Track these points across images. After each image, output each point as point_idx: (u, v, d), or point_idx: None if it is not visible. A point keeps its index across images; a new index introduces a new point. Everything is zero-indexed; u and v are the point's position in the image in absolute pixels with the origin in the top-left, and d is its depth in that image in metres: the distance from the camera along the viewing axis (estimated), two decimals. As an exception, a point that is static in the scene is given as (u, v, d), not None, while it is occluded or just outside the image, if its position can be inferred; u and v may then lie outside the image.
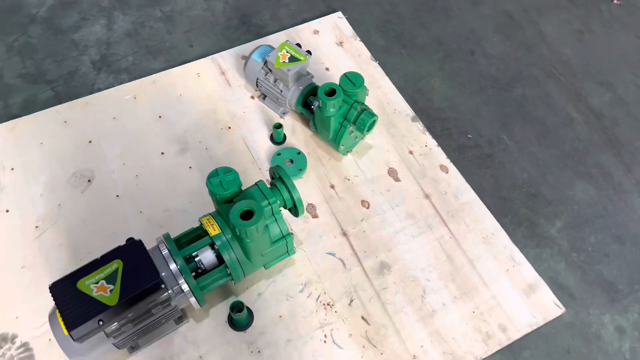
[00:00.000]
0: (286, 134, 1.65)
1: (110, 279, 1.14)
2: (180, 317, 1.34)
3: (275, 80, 1.60)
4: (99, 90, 1.74)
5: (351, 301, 1.39)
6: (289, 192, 1.29)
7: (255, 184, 1.28)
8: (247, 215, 1.19)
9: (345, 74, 1.49)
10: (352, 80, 1.49)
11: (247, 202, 1.20)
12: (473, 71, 1.87)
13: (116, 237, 1.43)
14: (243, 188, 1.28)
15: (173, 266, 1.21)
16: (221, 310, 1.37)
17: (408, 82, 1.82)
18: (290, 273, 1.43)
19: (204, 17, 1.94)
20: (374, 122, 1.53)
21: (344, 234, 1.49)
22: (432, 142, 1.67)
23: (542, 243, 1.53)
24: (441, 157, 1.64)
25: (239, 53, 1.82)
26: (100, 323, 1.11)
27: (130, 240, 1.21)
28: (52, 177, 1.55)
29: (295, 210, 1.33)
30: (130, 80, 1.76)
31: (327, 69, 1.80)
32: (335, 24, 1.92)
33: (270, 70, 1.60)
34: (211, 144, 1.62)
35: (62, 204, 1.50)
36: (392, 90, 1.77)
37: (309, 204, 1.53)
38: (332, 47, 1.86)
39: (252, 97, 1.72)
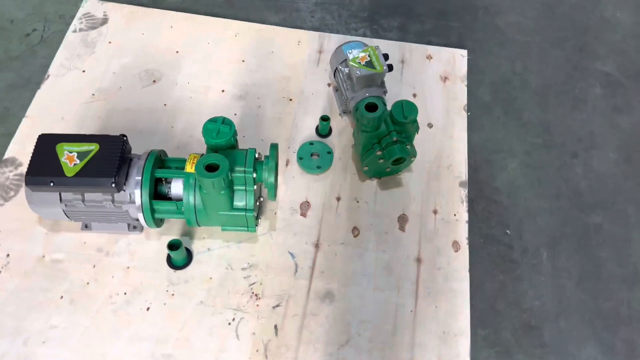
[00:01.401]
0: (332, 132, 1.62)
1: (81, 155, 1.25)
2: (135, 227, 1.42)
3: (347, 77, 1.58)
4: (216, 16, 1.86)
5: (277, 305, 1.36)
6: (267, 173, 1.28)
7: (246, 150, 1.29)
8: (212, 168, 1.21)
9: (401, 101, 1.41)
10: (405, 110, 1.40)
11: (218, 157, 1.21)
12: (561, 175, 1.64)
13: (141, 135, 1.55)
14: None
15: (138, 177, 1.29)
16: (170, 242, 1.43)
17: (484, 148, 1.66)
18: (246, 249, 1.43)
19: (342, -2, 1.96)
20: (404, 160, 1.44)
21: (317, 245, 1.44)
22: (463, 215, 1.52)
23: (503, 378, 1.33)
24: (462, 233, 1.49)
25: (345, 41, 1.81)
26: (51, 184, 1.23)
27: (123, 136, 1.30)
28: (132, 63, 1.71)
29: (269, 193, 1.31)
30: (243, 20, 1.85)
31: (414, 95, 1.72)
32: (453, 59, 1.81)
33: (347, 66, 1.57)
34: (265, 104, 1.66)
35: (123, 88, 1.66)
36: (461, 147, 1.63)
37: (305, 202, 1.50)
38: (434, 77, 1.76)
39: (329, 85, 1.71)
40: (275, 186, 1.34)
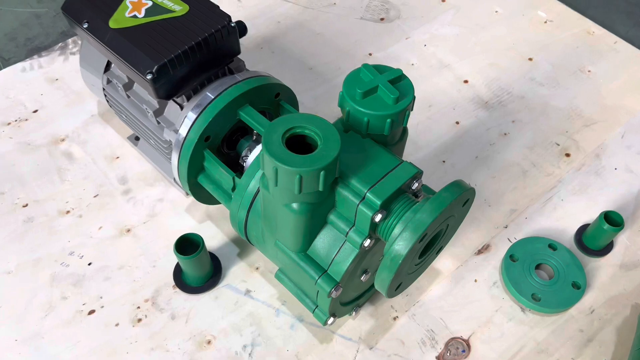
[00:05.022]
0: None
1: (153, 10, 0.70)
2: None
3: None
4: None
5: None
6: (405, 240, 0.54)
7: (400, 162, 0.58)
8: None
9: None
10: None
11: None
12: None
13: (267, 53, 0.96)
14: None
15: (207, 99, 0.68)
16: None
17: None
18: (301, 332, 0.73)
19: None
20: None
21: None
22: None
23: None
24: None
25: None
26: (85, 25, 0.70)
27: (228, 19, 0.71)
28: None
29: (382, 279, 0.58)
30: None
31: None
32: None
33: None
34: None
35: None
36: None
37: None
38: None
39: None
40: (409, 274, 0.61)
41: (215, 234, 0.82)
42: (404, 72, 0.61)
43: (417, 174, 0.58)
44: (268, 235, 0.64)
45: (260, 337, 0.72)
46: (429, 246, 0.61)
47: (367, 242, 0.57)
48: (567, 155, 0.91)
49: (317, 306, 0.66)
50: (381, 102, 0.58)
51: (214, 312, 0.74)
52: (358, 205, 0.56)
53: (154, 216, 0.83)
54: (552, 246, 0.78)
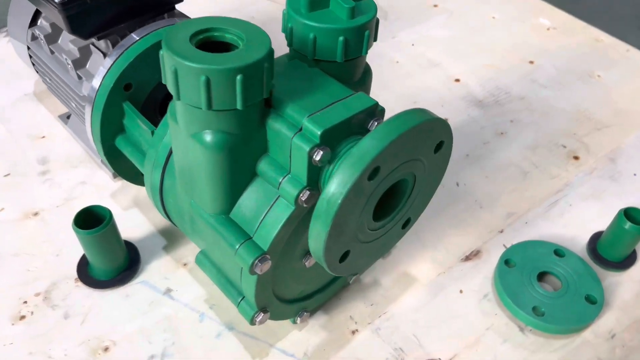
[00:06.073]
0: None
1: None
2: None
3: None
4: None
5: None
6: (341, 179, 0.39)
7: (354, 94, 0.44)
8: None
9: None
10: None
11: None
12: None
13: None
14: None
15: (133, 39, 0.56)
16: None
17: None
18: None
19: None
20: None
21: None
22: None
23: None
24: None
25: None
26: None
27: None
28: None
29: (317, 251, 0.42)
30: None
31: None
32: None
33: None
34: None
35: None
36: None
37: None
38: None
39: None
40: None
41: (140, 223, 0.66)
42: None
43: (375, 107, 0.43)
44: (184, 198, 0.49)
45: (175, 346, 0.55)
46: (390, 207, 0.45)
47: (305, 195, 0.42)
48: (576, 158, 0.76)
49: (244, 297, 0.50)
50: (332, 16, 0.45)
51: (121, 312, 0.58)
52: (292, 138, 0.41)
53: (71, 200, 0.68)
54: (559, 252, 0.62)
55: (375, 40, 0.48)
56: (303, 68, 0.46)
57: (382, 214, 0.44)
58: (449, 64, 0.92)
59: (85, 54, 0.63)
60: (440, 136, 0.43)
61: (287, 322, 0.57)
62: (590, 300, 0.57)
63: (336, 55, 0.45)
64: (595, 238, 0.65)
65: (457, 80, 0.88)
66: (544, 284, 0.60)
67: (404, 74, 0.89)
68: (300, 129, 0.41)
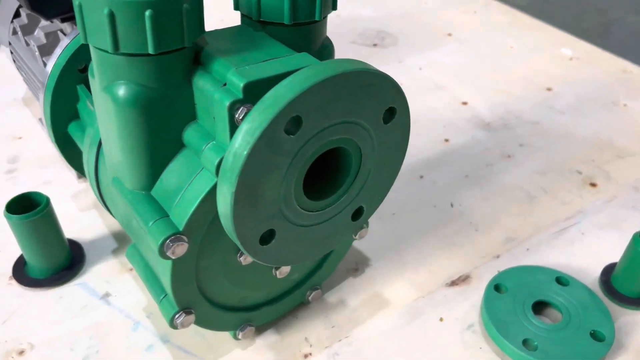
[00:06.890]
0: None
1: None
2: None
3: None
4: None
5: None
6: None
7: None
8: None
9: None
10: None
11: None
12: None
13: None
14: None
15: (72, 35, 0.53)
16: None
17: None
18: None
19: None
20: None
21: None
22: None
23: None
24: None
25: None
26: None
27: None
28: None
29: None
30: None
31: None
32: None
33: None
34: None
35: None
36: None
37: None
38: None
39: None
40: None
41: (94, 224, 0.61)
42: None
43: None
44: (109, 174, 0.43)
45: (98, 355, 0.48)
46: (331, 185, 0.37)
47: (227, 164, 0.35)
48: (593, 185, 0.67)
49: (166, 295, 0.42)
50: None
51: (48, 314, 0.51)
52: (214, 93, 0.35)
53: (29, 198, 0.64)
54: (562, 280, 0.52)
55: (334, 8, 0.43)
56: (247, 32, 0.41)
57: (321, 193, 0.37)
58: (457, 87, 0.85)
59: (53, 41, 0.60)
60: (389, 100, 0.37)
61: (229, 339, 0.49)
62: (596, 337, 0.47)
63: (283, 15, 0.40)
64: (610, 269, 0.55)
65: (465, 103, 0.82)
66: (541, 317, 0.50)
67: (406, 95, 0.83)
68: (225, 85, 0.35)
